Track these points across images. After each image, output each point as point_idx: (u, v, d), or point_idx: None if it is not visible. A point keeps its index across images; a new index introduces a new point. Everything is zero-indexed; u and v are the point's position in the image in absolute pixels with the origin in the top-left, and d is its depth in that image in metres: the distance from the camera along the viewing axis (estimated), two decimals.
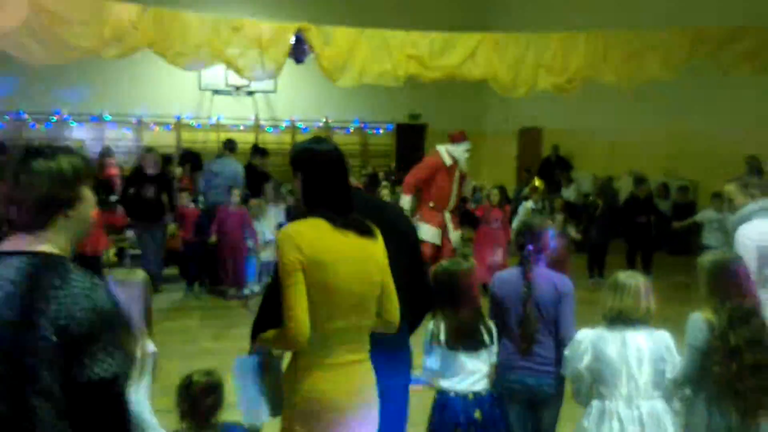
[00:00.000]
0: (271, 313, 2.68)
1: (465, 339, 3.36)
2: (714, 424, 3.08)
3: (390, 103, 16.71)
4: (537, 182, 9.95)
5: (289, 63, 9.10)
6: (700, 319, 3.17)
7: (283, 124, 17.28)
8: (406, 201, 7.98)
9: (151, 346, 3.28)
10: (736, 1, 10.66)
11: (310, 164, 2.60)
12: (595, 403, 3.17)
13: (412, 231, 3.33)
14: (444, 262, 3.66)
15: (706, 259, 3.34)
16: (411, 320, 2.99)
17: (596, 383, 3.17)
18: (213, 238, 8.63)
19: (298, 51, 8.93)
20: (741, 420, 3.03)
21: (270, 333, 2.56)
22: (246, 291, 8.89)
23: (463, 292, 3.42)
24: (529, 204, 9.40)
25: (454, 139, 8.06)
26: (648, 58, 8.83)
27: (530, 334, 3.38)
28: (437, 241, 7.96)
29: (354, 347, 2.52)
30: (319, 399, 2.44)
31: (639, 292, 3.17)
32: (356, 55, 8.43)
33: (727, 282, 3.19)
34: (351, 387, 2.49)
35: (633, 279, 3.23)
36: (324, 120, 17.42)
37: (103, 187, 10.46)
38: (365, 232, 2.55)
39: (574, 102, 11.99)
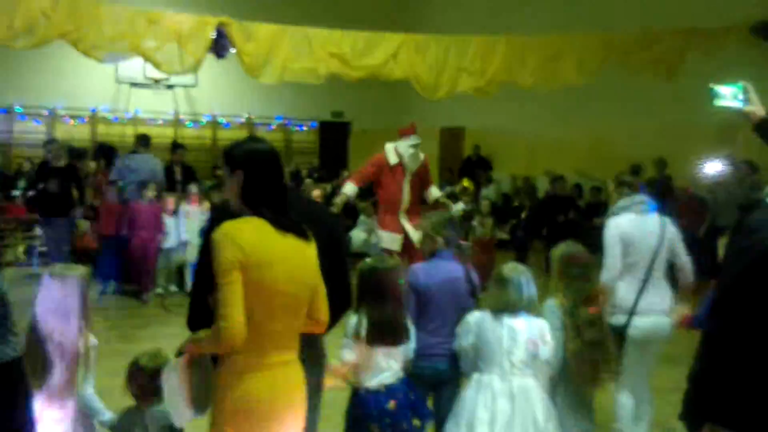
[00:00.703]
0: (201, 314, 2.64)
1: (385, 336, 3.43)
2: (567, 397, 3.63)
3: (313, 101, 16.65)
4: (466, 183, 10.05)
5: (211, 57, 8.97)
6: (553, 304, 3.71)
7: (204, 119, 16.98)
8: (348, 187, 7.38)
9: (93, 340, 3.40)
10: (648, 8, 11.11)
11: (253, 163, 2.56)
12: (475, 376, 3.53)
13: (337, 229, 3.37)
14: (369, 260, 3.72)
15: (557, 250, 3.86)
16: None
17: (478, 359, 3.52)
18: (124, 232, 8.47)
19: (219, 46, 8.77)
20: (580, 390, 3.61)
21: (201, 333, 2.52)
22: (159, 290, 8.73)
23: (387, 290, 3.46)
24: (459, 205, 9.50)
25: (402, 133, 7.43)
26: (563, 62, 9.09)
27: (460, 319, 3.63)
28: (395, 247, 7.34)
29: (286, 348, 2.53)
30: (252, 400, 2.43)
31: (521, 284, 3.53)
32: (278, 52, 8.36)
33: (572, 269, 3.72)
34: (283, 388, 2.50)
35: (515, 273, 3.57)
36: (246, 116, 17.22)
37: None
38: (302, 234, 2.56)
39: (496, 103, 12.23)
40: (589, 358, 3.55)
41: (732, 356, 2.35)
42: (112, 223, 8.68)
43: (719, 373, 2.38)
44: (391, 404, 3.41)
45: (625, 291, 4.17)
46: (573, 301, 3.63)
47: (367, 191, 8.22)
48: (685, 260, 4.30)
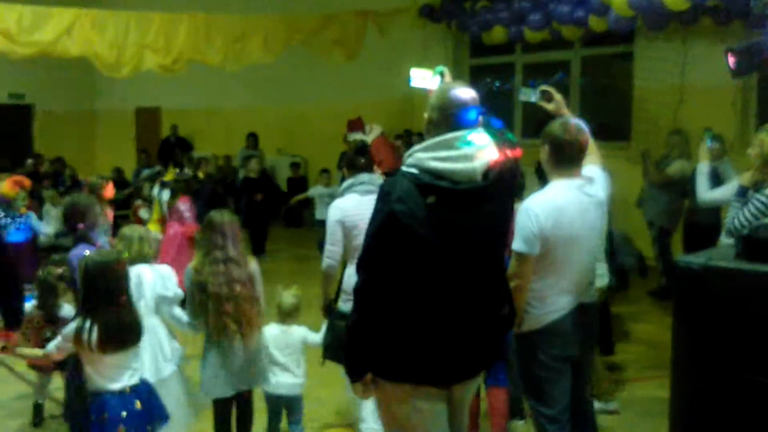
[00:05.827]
0: None
1: (120, 339, 3.32)
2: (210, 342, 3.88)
3: None
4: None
5: None
6: (188, 268, 3.88)
7: None
8: None
9: None
10: None
11: None
12: None
13: None
14: (93, 254, 3.49)
15: (209, 215, 3.95)
16: None
17: None
18: None
19: None
20: (220, 337, 3.78)
21: None
22: None
23: (117, 286, 3.35)
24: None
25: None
26: (250, 41, 9.21)
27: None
28: None
29: None
30: None
31: (141, 240, 4.02)
32: None
33: (208, 233, 3.84)
34: None
35: (135, 231, 4.14)
36: None
37: None
38: None
39: (191, 81, 12.01)
40: (216, 309, 3.72)
41: (373, 309, 2.52)
42: None
43: (367, 324, 2.55)
44: (138, 404, 3.36)
45: (351, 274, 3.89)
46: (201, 261, 3.79)
47: None
48: None
